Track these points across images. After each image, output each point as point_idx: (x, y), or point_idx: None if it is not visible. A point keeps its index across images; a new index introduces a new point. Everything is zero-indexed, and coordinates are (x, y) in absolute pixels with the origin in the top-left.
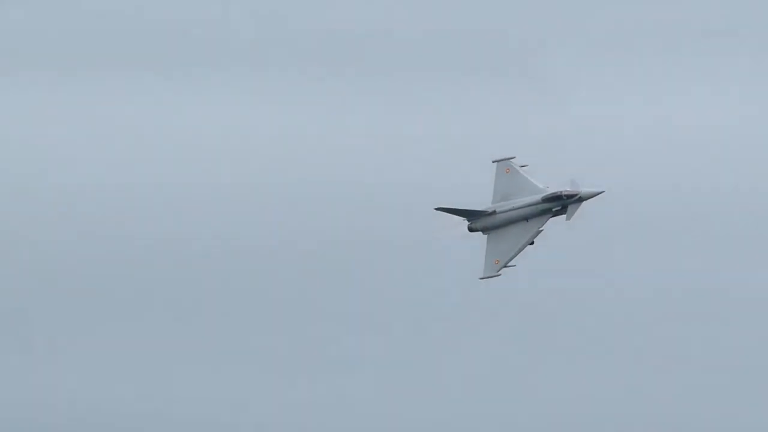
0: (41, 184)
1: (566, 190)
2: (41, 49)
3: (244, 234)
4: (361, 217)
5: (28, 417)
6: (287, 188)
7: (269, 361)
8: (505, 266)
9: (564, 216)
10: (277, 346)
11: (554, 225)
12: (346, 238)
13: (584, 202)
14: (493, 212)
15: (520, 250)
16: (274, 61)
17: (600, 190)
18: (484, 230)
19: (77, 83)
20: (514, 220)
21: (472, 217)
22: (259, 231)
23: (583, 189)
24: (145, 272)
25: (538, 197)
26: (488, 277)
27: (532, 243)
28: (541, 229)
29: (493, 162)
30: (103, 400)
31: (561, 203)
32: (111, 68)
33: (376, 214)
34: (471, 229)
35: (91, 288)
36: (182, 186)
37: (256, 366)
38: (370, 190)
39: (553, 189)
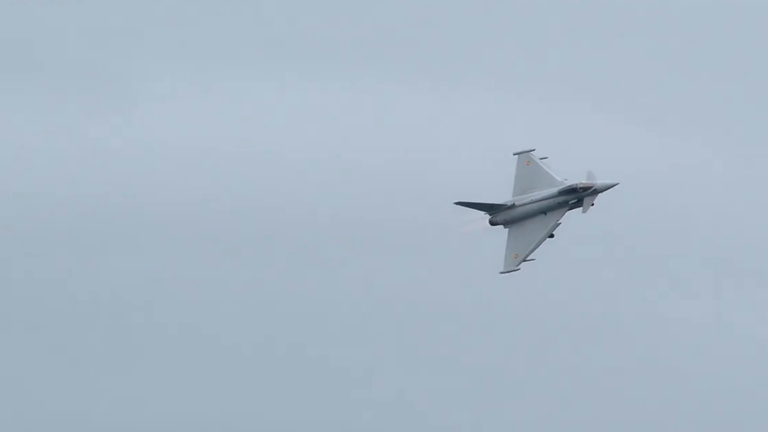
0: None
1: (581, 183)
2: None
3: (266, 226)
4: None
5: None
6: (303, 184)
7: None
8: (525, 260)
9: (581, 208)
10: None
11: (570, 217)
12: (384, 231)
13: (599, 194)
14: (512, 205)
15: (539, 243)
16: (302, 49)
17: (614, 182)
18: (505, 224)
19: None
20: (533, 213)
21: (492, 210)
22: (275, 226)
23: (598, 181)
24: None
25: (554, 190)
26: (508, 272)
27: (552, 236)
28: (559, 222)
29: (514, 154)
30: None
31: (576, 196)
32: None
33: (400, 207)
34: (492, 223)
35: None
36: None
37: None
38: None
39: (570, 181)
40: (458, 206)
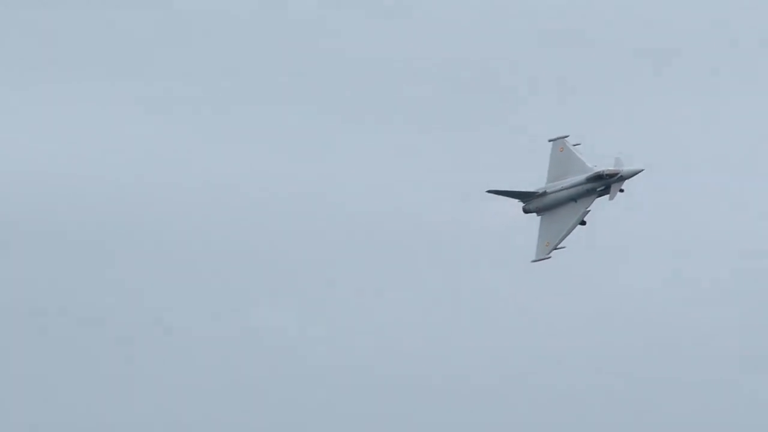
0: None
1: (608, 169)
2: None
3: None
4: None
5: None
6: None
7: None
8: (555, 248)
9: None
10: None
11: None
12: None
13: (626, 180)
14: (544, 193)
15: (569, 231)
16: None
17: (640, 168)
18: (538, 211)
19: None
20: (563, 200)
21: (524, 198)
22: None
23: (624, 168)
24: None
25: (582, 177)
26: (540, 260)
27: (584, 223)
28: (588, 209)
29: (549, 141)
30: None
31: (604, 182)
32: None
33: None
34: (526, 211)
35: None
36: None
37: None
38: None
39: (598, 168)
40: (490, 194)
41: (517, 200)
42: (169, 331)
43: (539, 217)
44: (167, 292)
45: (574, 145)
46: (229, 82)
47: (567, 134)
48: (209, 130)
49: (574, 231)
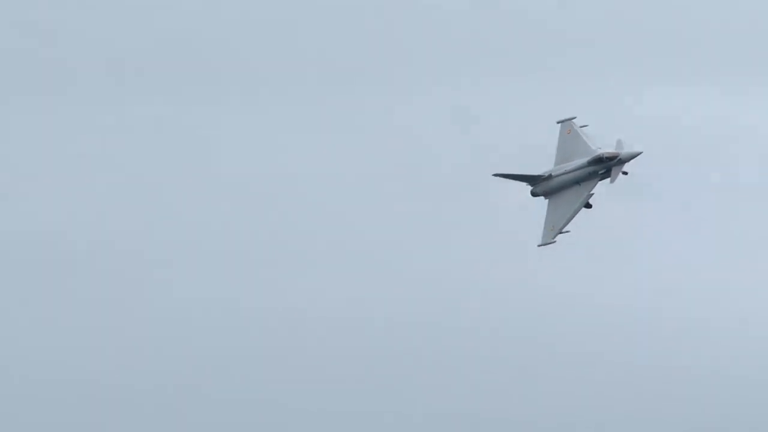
0: None
1: (607, 152)
2: None
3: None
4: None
5: None
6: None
7: None
8: (560, 232)
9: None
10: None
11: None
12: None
13: (625, 163)
14: (549, 176)
15: (574, 215)
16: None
17: (638, 151)
18: (545, 195)
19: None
20: (568, 183)
21: (530, 181)
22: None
23: (623, 150)
24: None
25: (584, 160)
26: (545, 244)
27: (590, 206)
28: (591, 192)
29: (557, 122)
30: None
31: (604, 165)
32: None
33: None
34: (534, 194)
35: None
36: None
37: None
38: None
39: (600, 151)
40: (498, 177)
41: (525, 183)
42: None
43: (546, 200)
44: None
45: (581, 127)
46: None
47: (574, 116)
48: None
49: (579, 214)
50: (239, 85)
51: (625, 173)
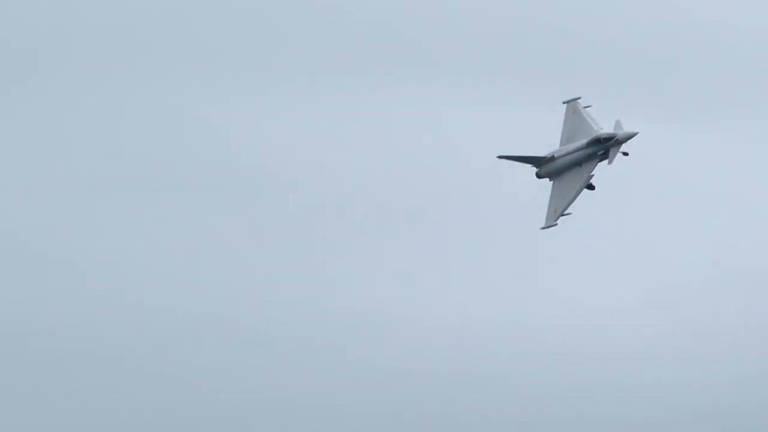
0: None
1: (604, 133)
2: None
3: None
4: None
5: None
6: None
7: None
8: (562, 215)
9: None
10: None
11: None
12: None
13: (622, 144)
14: (552, 158)
15: (575, 197)
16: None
17: (635, 131)
18: (549, 176)
19: None
20: (569, 165)
21: (534, 163)
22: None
23: (620, 131)
24: None
25: (584, 141)
26: (548, 227)
27: (593, 188)
28: (592, 173)
29: (563, 103)
30: None
31: (602, 146)
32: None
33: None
34: (539, 176)
35: None
36: None
37: None
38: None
39: (598, 132)
40: (502, 159)
41: (530, 165)
42: None
43: (551, 182)
44: None
45: (585, 108)
46: None
47: (579, 96)
48: None
49: (581, 196)
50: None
51: (625, 154)
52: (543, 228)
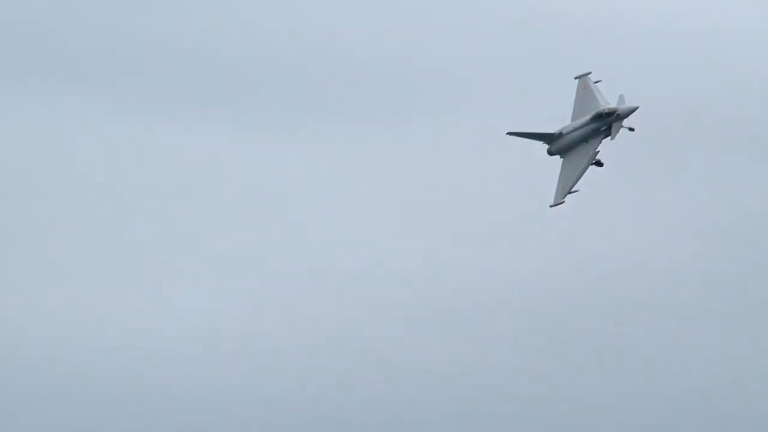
0: None
1: (605, 108)
2: None
3: None
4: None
5: None
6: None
7: None
8: (570, 192)
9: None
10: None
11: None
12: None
13: (624, 119)
14: (560, 134)
15: (581, 173)
16: None
17: (635, 105)
18: (560, 153)
19: None
20: (576, 141)
21: (543, 140)
22: None
23: (621, 106)
24: None
25: (588, 117)
26: (556, 204)
27: (601, 165)
28: (597, 150)
29: (575, 78)
30: None
31: (605, 122)
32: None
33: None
34: (550, 153)
35: None
36: None
37: None
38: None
39: (601, 107)
40: (511, 136)
41: (540, 142)
42: None
43: (562, 159)
44: None
45: (595, 83)
46: None
47: (590, 71)
48: None
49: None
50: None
51: (631, 129)
52: (552, 206)
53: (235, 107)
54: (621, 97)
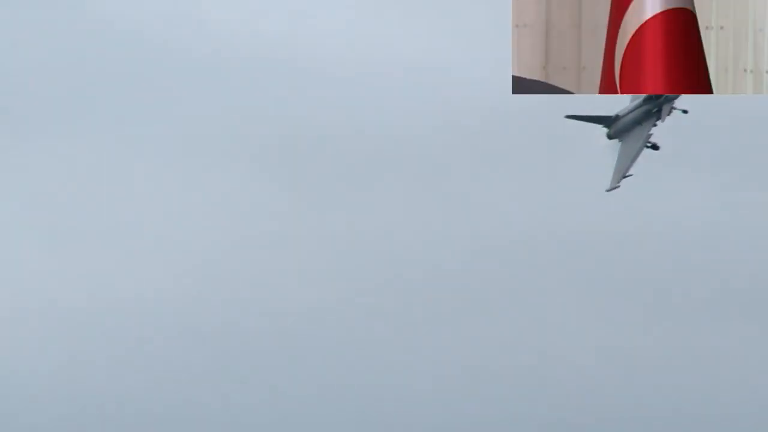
0: None
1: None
2: None
3: None
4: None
5: None
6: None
7: None
8: (624, 176)
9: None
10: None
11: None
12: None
13: (674, 100)
14: (617, 117)
15: (635, 157)
16: None
17: None
18: (618, 137)
19: None
20: (630, 124)
21: (601, 123)
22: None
23: None
24: None
25: (641, 98)
26: (612, 189)
27: (657, 148)
28: (650, 132)
29: None
30: None
31: (656, 104)
32: None
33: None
34: (609, 137)
35: None
36: None
37: None
38: None
39: None
40: (570, 120)
41: (600, 126)
42: None
43: (619, 142)
44: None
45: None
46: None
47: None
48: None
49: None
50: None
51: (685, 111)
52: (608, 190)
53: None
54: None
